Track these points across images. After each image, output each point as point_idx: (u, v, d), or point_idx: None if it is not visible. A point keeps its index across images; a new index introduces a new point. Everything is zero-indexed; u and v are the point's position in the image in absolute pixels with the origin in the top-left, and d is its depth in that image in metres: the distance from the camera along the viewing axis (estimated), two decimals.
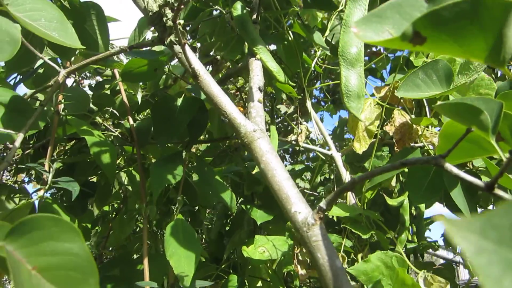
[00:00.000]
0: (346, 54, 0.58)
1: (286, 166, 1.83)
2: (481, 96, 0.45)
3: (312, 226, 0.47)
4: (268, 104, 1.35)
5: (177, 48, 0.55)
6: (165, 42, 0.51)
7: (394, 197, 1.11)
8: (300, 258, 0.83)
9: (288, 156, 2.36)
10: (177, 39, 0.50)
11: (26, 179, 1.80)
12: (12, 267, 0.37)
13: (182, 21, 0.50)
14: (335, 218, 1.25)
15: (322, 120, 1.98)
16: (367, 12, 0.64)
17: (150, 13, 0.50)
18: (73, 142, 1.22)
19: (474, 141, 0.43)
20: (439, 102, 0.38)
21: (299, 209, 0.49)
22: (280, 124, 2.05)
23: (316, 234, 0.47)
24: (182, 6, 0.43)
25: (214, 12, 1.06)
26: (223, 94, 0.55)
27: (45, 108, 0.62)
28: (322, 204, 0.47)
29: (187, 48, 0.51)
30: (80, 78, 1.48)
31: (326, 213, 0.47)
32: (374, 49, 1.47)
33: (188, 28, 1.11)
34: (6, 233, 0.40)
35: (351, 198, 0.91)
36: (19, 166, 1.14)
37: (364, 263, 0.68)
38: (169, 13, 0.48)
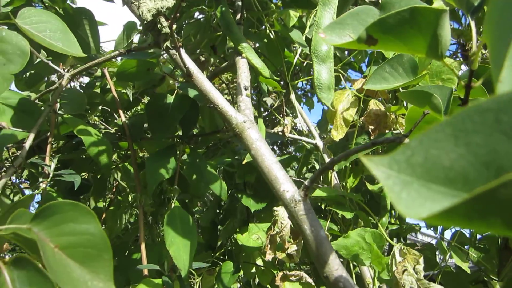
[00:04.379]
0: (318, 51, 0.64)
1: None
2: (437, 84, 0.52)
3: (299, 202, 0.54)
4: (254, 98, 1.42)
5: (172, 50, 0.61)
6: (162, 46, 0.57)
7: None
8: (272, 239, 0.89)
9: (277, 148, 2.42)
10: (173, 44, 0.56)
11: (16, 181, 1.83)
12: (40, 246, 0.43)
13: (174, 27, 0.56)
14: (322, 206, 1.32)
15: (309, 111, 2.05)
16: (335, 14, 0.71)
17: (145, 22, 0.56)
18: (63, 141, 1.26)
19: (432, 122, 0.50)
20: (401, 90, 0.45)
21: (287, 188, 0.56)
22: (267, 118, 2.12)
23: (302, 209, 0.54)
24: (178, 15, 0.49)
25: (196, 14, 1.11)
26: (215, 90, 0.61)
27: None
28: (307, 182, 0.54)
29: (182, 51, 0.57)
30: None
31: (310, 189, 0.53)
32: None
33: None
34: (31, 218, 0.46)
35: (334, 182, 0.98)
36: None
37: (344, 238, 0.74)
38: (163, 21, 0.54)
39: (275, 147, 2.41)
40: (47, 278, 0.36)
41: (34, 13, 0.58)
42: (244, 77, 0.70)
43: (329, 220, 0.92)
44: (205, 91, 0.61)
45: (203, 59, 1.19)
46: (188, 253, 0.83)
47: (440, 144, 0.17)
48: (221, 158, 1.42)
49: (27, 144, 0.58)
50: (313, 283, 0.77)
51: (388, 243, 0.93)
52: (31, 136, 0.60)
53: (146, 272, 0.94)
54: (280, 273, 0.79)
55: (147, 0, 0.64)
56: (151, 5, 0.63)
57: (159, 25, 0.54)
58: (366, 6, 0.34)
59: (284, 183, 0.55)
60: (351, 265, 0.92)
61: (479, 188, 0.14)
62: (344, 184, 1.05)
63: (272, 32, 1.03)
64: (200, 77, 0.61)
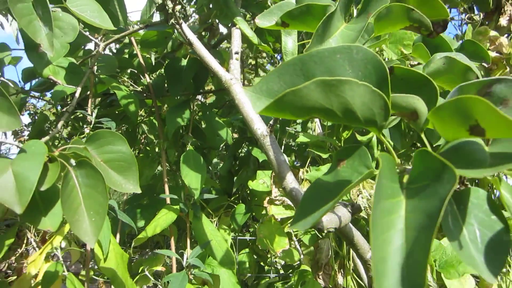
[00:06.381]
0: None
1: None
2: None
3: (266, 136, 0.75)
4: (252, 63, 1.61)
5: (177, 25, 0.82)
6: (169, 23, 0.78)
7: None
8: (275, 179, 1.10)
9: None
10: (175, 21, 0.77)
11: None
12: (92, 159, 0.67)
13: (179, 7, 0.77)
14: None
15: None
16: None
17: (156, 4, 0.77)
18: (99, 99, 1.50)
19: None
20: None
21: (259, 126, 0.77)
22: None
23: (268, 141, 0.75)
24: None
25: None
26: (209, 55, 0.82)
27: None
28: (271, 122, 0.75)
29: (184, 26, 0.78)
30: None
31: (274, 127, 0.75)
32: None
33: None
34: (85, 141, 0.69)
35: (318, 130, 1.18)
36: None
37: (316, 171, 0.96)
38: (169, 3, 0.75)
39: None
40: (99, 172, 0.60)
41: None
42: (236, 45, 0.91)
43: (308, 161, 1.12)
44: (202, 56, 0.82)
45: (214, 27, 1.39)
46: (199, 182, 1.07)
47: (273, 80, 0.38)
48: (235, 116, 1.64)
49: (77, 94, 0.82)
50: (292, 205, 0.99)
51: None
52: (79, 89, 0.84)
53: (168, 201, 1.20)
54: (267, 198, 1.02)
55: None
56: None
57: (166, 7, 0.75)
58: (288, 0, 0.54)
59: (257, 123, 0.76)
60: None
61: (276, 97, 0.35)
62: (338, 136, 1.24)
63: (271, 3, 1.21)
64: (198, 45, 0.82)
